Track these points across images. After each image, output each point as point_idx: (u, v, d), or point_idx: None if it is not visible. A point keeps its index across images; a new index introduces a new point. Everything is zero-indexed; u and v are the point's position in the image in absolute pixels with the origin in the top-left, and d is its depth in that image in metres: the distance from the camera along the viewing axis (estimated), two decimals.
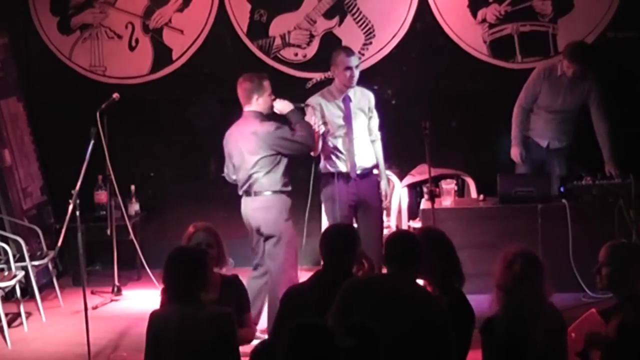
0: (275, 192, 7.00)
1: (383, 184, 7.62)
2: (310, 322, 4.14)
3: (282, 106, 7.16)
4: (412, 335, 4.56)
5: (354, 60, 7.42)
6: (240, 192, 7.13)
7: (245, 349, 5.28)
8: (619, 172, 8.04)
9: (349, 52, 7.54)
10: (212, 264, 5.43)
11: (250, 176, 7.00)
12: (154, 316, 4.93)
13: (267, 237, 7.00)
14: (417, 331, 4.57)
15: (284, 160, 7.03)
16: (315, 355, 3.92)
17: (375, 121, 7.62)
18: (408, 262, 4.80)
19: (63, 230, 8.13)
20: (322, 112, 7.40)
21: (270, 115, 7.17)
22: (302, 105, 7.32)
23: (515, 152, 8.44)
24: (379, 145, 7.63)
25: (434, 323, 4.63)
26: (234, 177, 7.20)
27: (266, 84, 7.11)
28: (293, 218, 7.15)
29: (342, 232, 5.37)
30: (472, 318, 5.04)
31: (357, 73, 7.42)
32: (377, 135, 7.63)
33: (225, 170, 7.28)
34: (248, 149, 7.01)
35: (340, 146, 7.46)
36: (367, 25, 9.22)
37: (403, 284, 4.75)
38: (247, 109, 7.11)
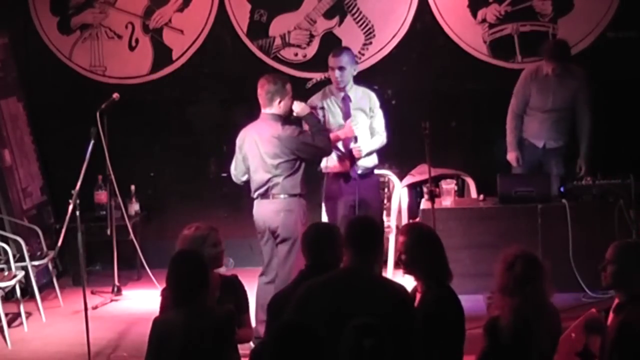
0: (293, 195, 6.94)
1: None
2: (291, 321, 4.15)
3: (301, 109, 7.09)
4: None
5: (336, 61, 7.36)
6: (255, 195, 7.02)
7: (244, 349, 5.31)
8: (587, 169, 8.12)
9: (335, 52, 7.51)
10: (216, 263, 5.42)
11: (269, 179, 6.92)
12: (157, 322, 4.90)
13: (282, 240, 6.92)
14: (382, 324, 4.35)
15: (303, 165, 6.99)
16: (297, 353, 3.92)
17: (378, 121, 7.56)
18: (368, 246, 4.72)
19: (63, 230, 8.13)
20: (323, 112, 7.40)
21: (285, 118, 7.05)
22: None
23: (512, 157, 8.43)
24: (377, 138, 7.54)
25: (396, 314, 4.51)
26: (243, 178, 7.13)
27: (288, 87, 7.02)
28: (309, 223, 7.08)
29: (321, 231, 5.31)
30: (461, 315, 4.96)
31: (344, 74, 7.35)
32: (379, 133, 7.56)
33: (233, 171, 7.17)
34: (268, 152, 6.93)
35: (340, 146, 7.45)
36: (367, 25, 9.22)
37: (361, 277, 4.64)
38: (266, 111, 7.00)
